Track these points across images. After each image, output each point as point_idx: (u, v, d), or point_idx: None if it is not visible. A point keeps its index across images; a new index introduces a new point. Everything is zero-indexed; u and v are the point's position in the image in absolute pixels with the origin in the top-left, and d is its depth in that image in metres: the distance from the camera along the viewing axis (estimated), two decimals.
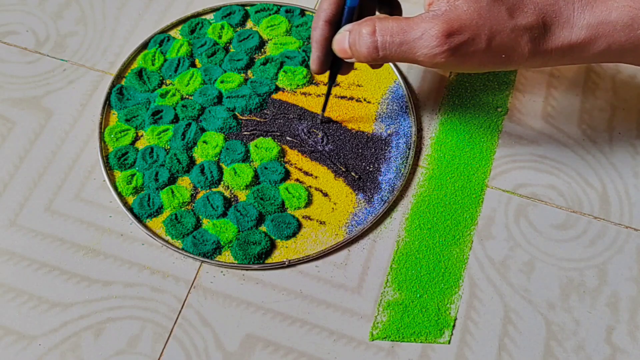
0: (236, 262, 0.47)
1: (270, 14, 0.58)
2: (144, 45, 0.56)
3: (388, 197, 0.50)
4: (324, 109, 0.52)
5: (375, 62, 0.45)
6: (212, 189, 0.50)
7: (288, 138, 0.52)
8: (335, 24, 0.45)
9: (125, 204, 0.49)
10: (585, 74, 0.56)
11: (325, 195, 0.50)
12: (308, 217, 0.49)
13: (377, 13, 0.49)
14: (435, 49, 0.41)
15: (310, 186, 0.50)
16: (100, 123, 0.52)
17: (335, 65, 0.48)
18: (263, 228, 0.48)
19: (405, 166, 0.51)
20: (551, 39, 0.42)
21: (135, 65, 0.55)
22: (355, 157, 0.51)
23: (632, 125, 0.54)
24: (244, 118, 0.53)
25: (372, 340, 0.45)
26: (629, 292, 0.47)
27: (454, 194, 0.50)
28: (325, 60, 0.47)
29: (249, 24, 0.58)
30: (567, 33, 0.42)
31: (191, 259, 0.47)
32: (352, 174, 0.51)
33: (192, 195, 0.49)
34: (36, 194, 0.49)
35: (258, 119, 0.53)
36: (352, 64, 0.48)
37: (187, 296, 0.46)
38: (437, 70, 0.43)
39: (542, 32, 0.42)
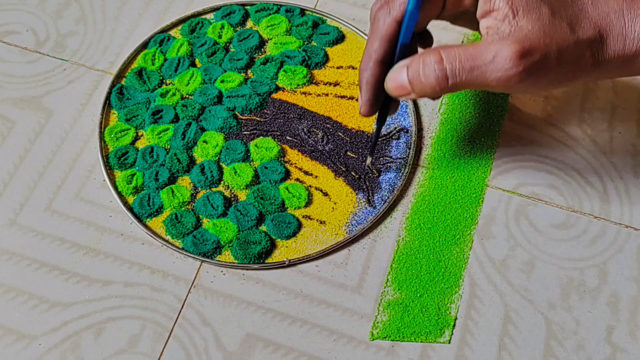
0: (236, 261, 0.47)
1: (270, 14, 0.58)
2: (144, 45, 0.56)
3: (388, 197, 0.50)
4: (371, 153, 0.49)
5: (442, 93, 0.42)
6: (212, 189, 0.50)
7: (288, 137, 0.52)
8: (386, 64, 0.43)
9: (125, 203, 0.49)
10: None
11: (326, 194, 0.50)
12: (308, 217, 0.49)
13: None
14: (510, 71, 0.39)
15: (310, 186, 0.50)
16: (100, 123, 0.52)
17: (385, 105, 0.46)
18: (263, 228, 0.48)
19: (405, 166, 0.51)
20: (607, 52, 0.41)
21: (135, 65, 0.55)
22: (355, 157, 0.51)
23: (632, 125, 0.54)
24: (244, 117, 0.53)
25: (372, 339, 0.45)
26: (629, 291, 0.47)
27: (454, 193, 0.50)
28: (375, 103, 0.45)
29: (249, 24, 0.58)
30: (620, 45, 0.41)
31: (191, 258, 0.47)
32: (352, 173, 0.51)
33: (192, 194, 0.49)
34: (36, 194, 0.49)
35: (258, 119, 0.53)
36: (398, 102, 0.46)
37: (187, 296, 0.46)
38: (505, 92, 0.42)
39: (600, 45, 0.41)
